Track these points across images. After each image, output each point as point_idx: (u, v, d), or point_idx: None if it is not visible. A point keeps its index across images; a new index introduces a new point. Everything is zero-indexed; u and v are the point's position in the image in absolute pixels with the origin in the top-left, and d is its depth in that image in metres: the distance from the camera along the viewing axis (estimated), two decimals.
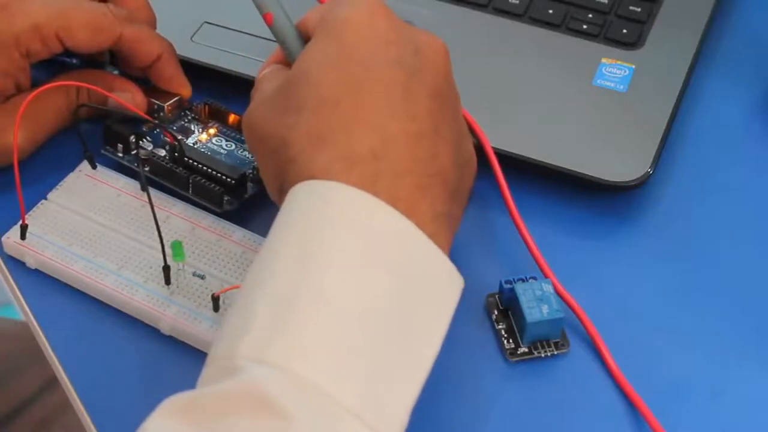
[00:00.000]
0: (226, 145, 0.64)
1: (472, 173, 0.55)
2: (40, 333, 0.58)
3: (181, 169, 0.62)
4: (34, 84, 0.63)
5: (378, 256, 0.47)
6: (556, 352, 0.57)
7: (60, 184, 0.63)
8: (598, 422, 0.55)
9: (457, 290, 0.50)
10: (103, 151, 0.64)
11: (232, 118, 0.65)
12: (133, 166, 0.63)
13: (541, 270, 0.58)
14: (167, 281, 0.58)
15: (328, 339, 0.45)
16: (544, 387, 0.56)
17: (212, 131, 0.65)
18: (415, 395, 0.46)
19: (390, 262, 0.47)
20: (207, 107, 0.66)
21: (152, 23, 0.66)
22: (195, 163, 0.62)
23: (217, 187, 0.61)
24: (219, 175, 0.62)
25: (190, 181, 0.62)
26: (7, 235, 0.61)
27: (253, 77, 0.66)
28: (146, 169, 0.63)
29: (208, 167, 0.62)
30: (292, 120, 0.51)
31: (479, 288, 0.58)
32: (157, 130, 0.64)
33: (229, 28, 0.69)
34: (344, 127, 0.49)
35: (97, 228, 0.61)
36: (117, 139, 0.64)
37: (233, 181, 0.61)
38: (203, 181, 0.61)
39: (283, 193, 0.51)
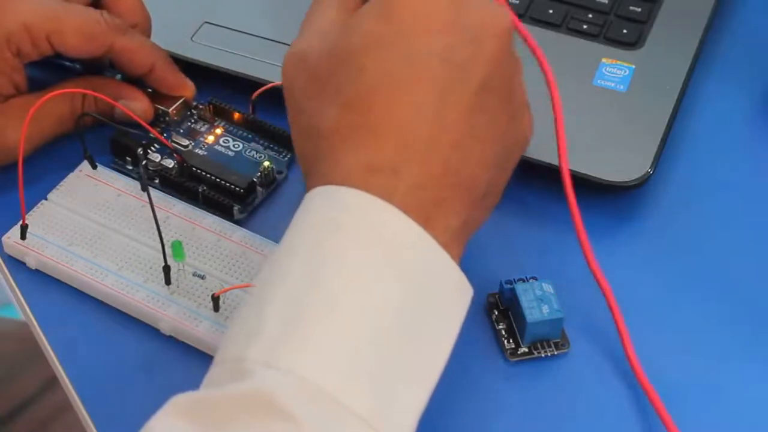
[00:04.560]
0: (234, 146, 0.64)
1: (520, 152, 0.53)
2: (40, 333, 0.58)
3: (189, 182, 0.62)
4: (34, 86, 0.63)
5: (389, 264, 0.47)
6: (556, 352, 0.57)
7: (60, 184, 0.63)
8: (597, 422, 0.55)
9: (467, 299, 0.49)
10: (113, 165, 0.64)
11: (236, 116, 0.65)
12: (140, 178, 0.63)
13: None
14: (167, 281, 0.58)
15: (337, 345, 0.45)
16: (545, 387, 0.56)
17: (219, 131, 0.65)
18: (424, 401, 0.46)
19: (401, 270, 0.47)
20: (212, 106, 0.66)
21: (147, 25, 0.66)
22: (203, 173, 0.62)
23: (226, 200, 0.61)
24: (227, 184, 0.62)
25: (199, 192, 0.62)
26: (7, 235, 0.61)
27: (254, 77, 0.67)
28: (155, 181, 0.63)
29: (217, 177, 0.62)
30: (326, 106, 0.49)
31: (479, 288, 0.58)
32: (165, 134, 0.64)
33: (229, 28, 0.69)
34: (373, 132, 0.48)
35: (97, 228, 0.61)
36: (125, 152, 0.64)
37: (242, 191, 0.61)
38: (212, 193, 0.62)
39: (306, 180, 0.50)
